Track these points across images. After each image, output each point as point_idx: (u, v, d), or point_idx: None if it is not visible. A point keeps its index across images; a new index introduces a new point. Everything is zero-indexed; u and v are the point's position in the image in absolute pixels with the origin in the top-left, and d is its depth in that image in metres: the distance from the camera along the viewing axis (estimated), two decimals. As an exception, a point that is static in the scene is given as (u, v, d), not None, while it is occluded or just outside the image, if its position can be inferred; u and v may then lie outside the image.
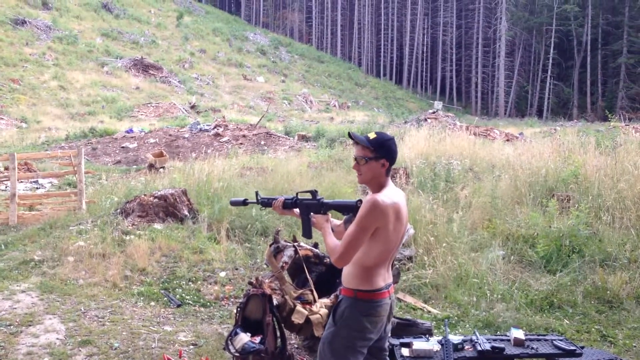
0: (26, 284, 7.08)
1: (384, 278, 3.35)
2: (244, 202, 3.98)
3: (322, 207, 3.55)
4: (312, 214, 3.58)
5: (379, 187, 3.31)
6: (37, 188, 13.69)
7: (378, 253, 3.26)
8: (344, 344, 3.33)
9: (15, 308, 6.35)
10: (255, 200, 3.89)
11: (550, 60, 64.91)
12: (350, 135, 3.41)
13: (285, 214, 3.77)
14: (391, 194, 3.27)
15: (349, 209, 3.46)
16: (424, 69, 79.80)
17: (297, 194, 3.71)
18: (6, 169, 13.59)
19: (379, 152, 3.28)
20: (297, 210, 3.68)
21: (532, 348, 4.66)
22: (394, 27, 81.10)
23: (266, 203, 3.84)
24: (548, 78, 64.38)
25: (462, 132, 17.21)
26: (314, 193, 3.62)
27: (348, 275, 3.35)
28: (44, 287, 6.99)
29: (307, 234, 3.62)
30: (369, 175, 3.32)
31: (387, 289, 3.37)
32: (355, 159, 3.35)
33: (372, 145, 3.28)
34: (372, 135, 3.32)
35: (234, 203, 4.06)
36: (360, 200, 3.34)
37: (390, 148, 3.30)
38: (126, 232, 8.58)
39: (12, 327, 5.87)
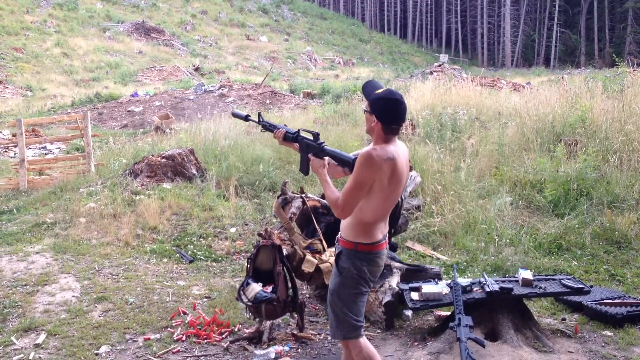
0: (40, 246, 7.20)
1: (382, 230, 3.42)
2: (246, 118, 4.05)
3: (321, 152, 3.54)
4: (310, 154, 3.57)
5: (378, 140, 3.30)
6: (45, 154, 13.75)
7: (374, 208, 3.30)
8: (351, 292, 3.43)
9: (30, 269, 6.47)
10: (257, 120, 3.92)
11: (557, 8, 63.78)
12: (363, 87, 3.42)
13: (285, 145, 3.78)
14: (390, 150, 3.23)
15: (344, 163, 3.47)
16: (429, 22, 78.69)
17: (299, 130, 3.72)
18: (14, 135, 13.66)
19: (372, 109, 3.28)
20: (297, 145, 3.69)
21: (541, 287, 4.73)
22: (397, -20, 79.82)
23: (268, 128, 3.86)
24: (555, 26, 63.37)
25: (469, 83, 17.04)
26: (315, 135, 3.59)
27: (347, 228, 3.41)
28: (58, 248, 7.10)
29: (304, 170, 3.67)
30: (367, 126, 3.36)
31: (385, 239, 3.45)
32: None
33: (368, 100, 3.32)
34: (379, 91, 3.29)
35: (235, 115, 4.13)
36: (356, 158, 3.30)
37: (383, 108, 3.24)
38: (136, 193, 8.66)
39: (28, 286, 5.99)
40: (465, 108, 12.60)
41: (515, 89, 20.49)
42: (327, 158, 3.54)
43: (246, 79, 29.18)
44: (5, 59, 31.04)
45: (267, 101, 21.70)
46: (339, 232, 3.50)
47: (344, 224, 3.44)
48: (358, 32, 69.39)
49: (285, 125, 3.88)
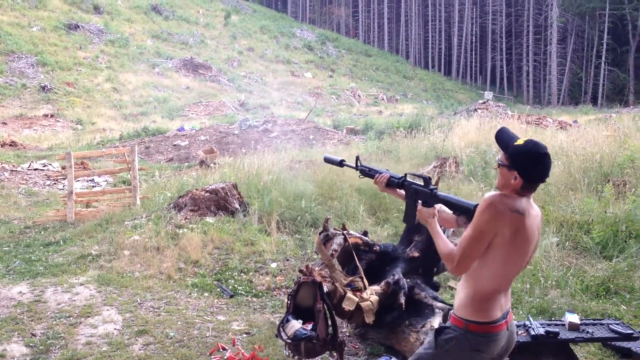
0: (84, 277, 7.30)
1: (501, 306, 2.91)
2: (340, 163, 3.67)
3: (433, 199, 3.10)
4: (419, 202, 3.15)
5: (508, 191, 2.87)
6: (93, 186, 14.06)
7: (494, 272, 2.82)
8: None
9: (75, 300, 6.56)
10: (354, 166, 3.54)
11: (604, 46, 63.01)
12: (497, 135, 2.97)
13: (387, 192, 3.40)
14: (519, 202, 2.79)
15: (464, 211, 3.01)
16: (473, 59, 78.61)
17: (405, 174, 3.32)
18: (63, 168, 14.03)
19: (513, 162, 2.81)
20: (401, 191, 3.30)
21: (588, 332, 4.58)
22: (441, 18, 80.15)
23: (367, 173, 3.45)
24: (602, 64, 62.55)
25: (514, 121, 16.87)
26: (426, 180, 3.17)
27: (460, 301, 2.93)
28: (102, 280, 7.20)
29: (410, 219, 3.26)
30: (500, 181, 2.89)
31: (505, 318, 2.93)
32: None
33: (508, 152, 2.85)
34: (519, 141, 2.85)
35: (328, 160, 3.77)
36: (477, 205, 2.88)
37: (530, 163, 2.79)
38: (179, 226, 8.75)
39: (71, 318, 6.07)
40: (510, 146, 12.42)
41: (561, 127, 20.19)
42: (438, 206, 3.13)
43: (290, 115, 29.51)
44: (58, 93, 32.12)
45: (311, 136, 21.86)
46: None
47: (457, 296, 2.98)
48: (402, 68, 69.75)
49: (387, 169, 3.46)
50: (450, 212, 3.15)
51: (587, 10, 66.64)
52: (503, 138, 2.90)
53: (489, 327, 2.85)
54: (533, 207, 2.88)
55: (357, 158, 3.55)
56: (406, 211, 3.26)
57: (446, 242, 2.91)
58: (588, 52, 68.32)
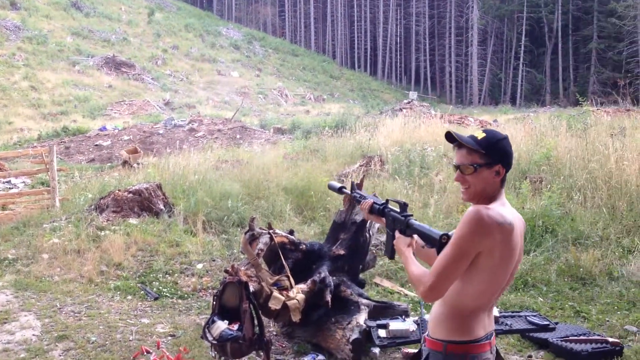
0: (0, 283, 7.01)
1: (484, 325, 2.55)
2: (340, 190, 3.49)
3: (407, 228, 2.76)
4: (397, 231, 2.83)
5: (488, 202, 2.51)
6: (9, 188, 13.50)
7: (478, 293, 2.47)
8: None
9: (-10, 306, 6.30)
10: (349, 192, 3.37)
11: (522, 48, 65.32)
12: (449, 137, 2.60)
13: (371, 219, 3.11)
14: (505, 212, 2.45)
15: (431, 242, 2.61)
16: (398, 60, 79.89)
17: (387, 200, 3.01)
18: (-23, 169, 13.41)
19: (492, 156, 2.49)
20: (384, 220, 2.98)
21: (507, 324, 4.73)
22: (367, 19, 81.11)
23: (357, 199, 3.24)
24: (520, 65, 64.82)
25: (437, 120, 17.28)
26: (402, 206, 2.85)
27: (436, 320, 2.59)
28: (19, 285, 6.94)
29: (388, 252, 2.91)
30: (479, 187, 2.52)
31: (489, 339, 2.55)
32: (458, 167, 2.57)
33: (483, 148, 2.50)
34: (479, 135, 2.55)
35: (331, 187, 3.58)
36: (446, 235, 2.47)
37: (506, 149, 2.52)
38: (101, 228, 8.52)
39: (-14, 325, 5.82)
40: (433, 145, 12.74)
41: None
42: (416, 236, 2.76)
43: (217, 114, 29.22)
44: (-28, 93, 30.67)
45: (238, 136, 21.72)
46: (426, 330, 2.70)
47: (433, 314, 2.63)
48: (329, 68, 70.17)
49: (375, 194, 3.31)
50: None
51: (506, 13, 68.97)
52: (467, 139, 2.55)
53: (471, 347, 2.50)
54: (513, 210, 2.57)
55: (352, 184, 3.51)
56: (386, 242, 2.97)
57: (418, 266, 2.56)
58: (507, 53, 70.69)
